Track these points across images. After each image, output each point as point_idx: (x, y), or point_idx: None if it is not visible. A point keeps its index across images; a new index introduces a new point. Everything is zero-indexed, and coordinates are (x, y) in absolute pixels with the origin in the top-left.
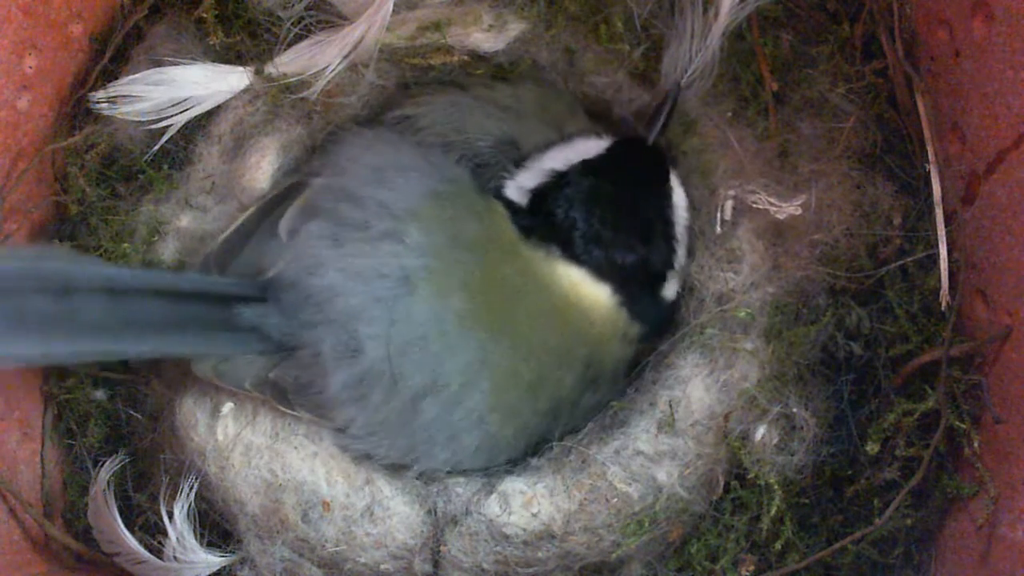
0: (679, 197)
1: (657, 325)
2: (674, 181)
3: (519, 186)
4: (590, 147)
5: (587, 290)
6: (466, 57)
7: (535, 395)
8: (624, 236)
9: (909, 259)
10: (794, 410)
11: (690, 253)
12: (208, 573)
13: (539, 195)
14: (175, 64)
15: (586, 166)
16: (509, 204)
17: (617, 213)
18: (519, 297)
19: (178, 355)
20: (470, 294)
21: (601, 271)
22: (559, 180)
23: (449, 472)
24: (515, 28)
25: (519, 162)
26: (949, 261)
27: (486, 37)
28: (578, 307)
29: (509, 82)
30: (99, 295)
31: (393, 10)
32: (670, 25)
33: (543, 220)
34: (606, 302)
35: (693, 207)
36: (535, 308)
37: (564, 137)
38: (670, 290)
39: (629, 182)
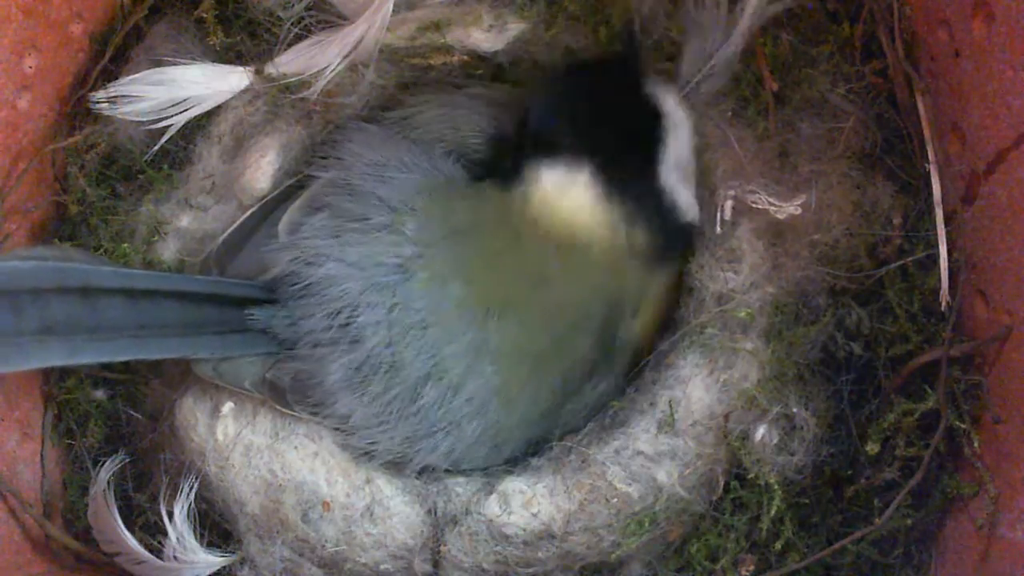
0: (671, 107)
1: (660, 228)
2: (667, 95)
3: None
4: None
5: (570, 195)
6: (466, 57)
7: (544, 370)
8: (595, 116)
9: (909, 259)
10: (794, 410)
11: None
12: (208, 573)
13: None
14: (175, 64)
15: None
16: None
17: (592, 104)
18: (514, 261)
19: (194, 357)
20: (467, 279)
21: (576, 155)
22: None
23: (449, 469)
24: (515, 28)
25: None
26: (949, 261)
27: (486, 37)
28: (566, 223)
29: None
30: (117, 297)
31: (393, 10)
32: (689, 20)
33: (524, 137)
34: (587, 198)
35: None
36: (531, 262)
37: None
38: (666, 176)
39: (602, 83)
